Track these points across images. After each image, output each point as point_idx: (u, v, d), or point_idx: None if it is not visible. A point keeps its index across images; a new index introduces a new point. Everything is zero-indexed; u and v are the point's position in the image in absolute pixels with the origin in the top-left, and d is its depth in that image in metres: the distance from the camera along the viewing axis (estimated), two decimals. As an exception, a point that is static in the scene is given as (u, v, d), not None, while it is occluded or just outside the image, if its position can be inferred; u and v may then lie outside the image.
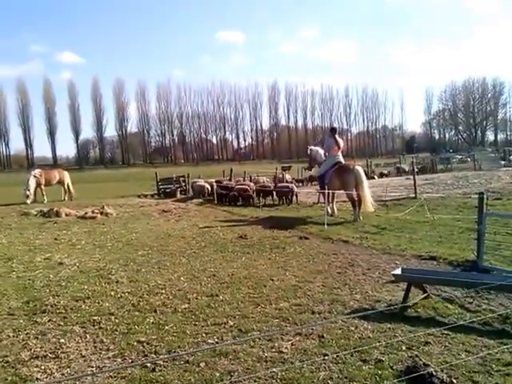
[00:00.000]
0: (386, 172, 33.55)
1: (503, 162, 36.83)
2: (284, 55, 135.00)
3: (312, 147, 13.74)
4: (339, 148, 12.04)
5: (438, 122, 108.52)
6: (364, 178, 11.50)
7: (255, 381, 3.27)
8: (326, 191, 11.48)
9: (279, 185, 17.57)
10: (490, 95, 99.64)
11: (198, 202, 18.37)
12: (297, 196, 16.20)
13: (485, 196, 6.64)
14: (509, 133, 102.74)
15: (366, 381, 3.19)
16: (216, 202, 17.80)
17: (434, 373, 3.09)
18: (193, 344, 3.96)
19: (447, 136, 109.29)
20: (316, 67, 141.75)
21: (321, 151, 12.95)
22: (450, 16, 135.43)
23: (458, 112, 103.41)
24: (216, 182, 20.32)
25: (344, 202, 13.44)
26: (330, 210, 11.95)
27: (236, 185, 18.56)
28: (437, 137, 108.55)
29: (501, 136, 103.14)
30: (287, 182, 20.73)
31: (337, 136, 12.36)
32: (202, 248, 8.30)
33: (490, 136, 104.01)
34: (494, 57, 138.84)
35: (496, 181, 20.93)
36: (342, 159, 12.09)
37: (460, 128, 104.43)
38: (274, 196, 16.89)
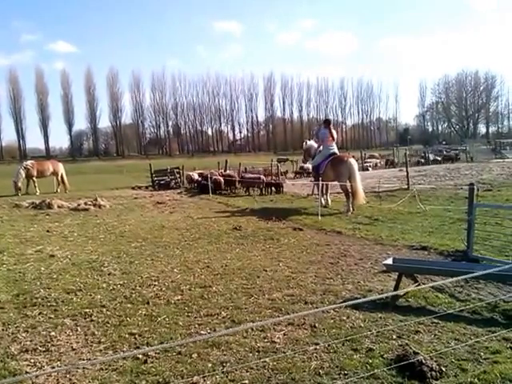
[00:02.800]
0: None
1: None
2: (281, 46, 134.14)
3: (307, 141, 14.09)
4: (333, 139, 12.13)
5: (432, 115, 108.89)
6: (357, 170, 11.61)
7: (247, 371, 3.29)
8: (320, 182, 11.58)
9: (251, 176, 18.42)
10: (482, 88, 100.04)
11: (185, 192, 18.96)
12: (271, 186, 17.12)
13: (475, 187, 6.69)
14: (500, 125, 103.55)
15: (356, 369, 3.22)
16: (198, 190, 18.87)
17: (424, 361, 3.12)
18: (185, 335, 3.96)
19: (440, 128, 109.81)
20: (313, 58, 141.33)
21: (315, 144, 13.22)
22: (445, 10, 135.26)
23: (451, 105, 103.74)
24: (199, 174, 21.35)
25: (338, 193, 13.54)
26: (324, 202, 12.05)
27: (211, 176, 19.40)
28: (430, 129, 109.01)
29: (492, 128, 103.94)
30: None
31: (331, 127, 12.46)
32: (196, 239, 8.29)
33: (482, 128, 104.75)
34: (486, 51, 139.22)
35: (487, 172, 21.10)
36: (336, 150, 12.18)
37: (453, 120, 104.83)
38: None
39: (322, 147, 12.28)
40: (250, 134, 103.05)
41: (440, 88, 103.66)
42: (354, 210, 10.96)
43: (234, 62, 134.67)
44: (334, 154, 11.93)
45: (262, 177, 17.59)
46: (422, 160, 34.94)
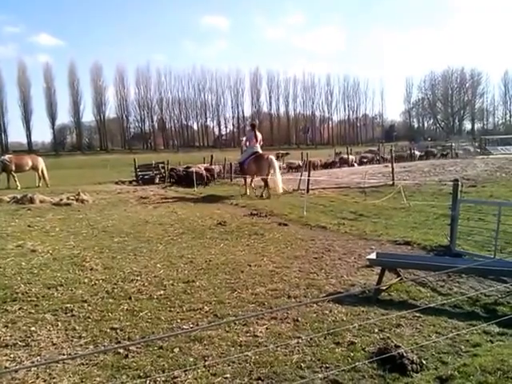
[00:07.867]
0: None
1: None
2: (268, 41, 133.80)
3: (243, 138, 16.28)
4: (257, 141, 14.21)
5: (417, 111, 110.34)
6: (276, 165, 13.89)
7: (229, 365, 3.27)
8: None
9: (196, 169, 19.57)
10: (467, 85, 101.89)
11: (170, 187, 19.00)
12: (209, 179, 18.91)
13: (459, 183, 6.78)
14: (485, 122, 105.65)
15: (338, 363, 3.23)
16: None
17: (405, 354, 3.15)
18: (167, 330, 3.92)
19: (426, 125, 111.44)
20: (300, 54, 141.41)
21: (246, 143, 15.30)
22: (433, 6, 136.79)
23: (437, 101, 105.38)
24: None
25: (323, 188, 13.90)
26: (248, 191, 14.33)
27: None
28: (416, 125, 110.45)
29: (477, 125, 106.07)
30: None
31: (256, 131, 14.43)
32: (180, 235, 8.21)
33: (467, 125, 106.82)
34: (472, 48, 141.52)
35: (471, 168, 21.50)
36: (259, 150, 14.21)
37: (438, 117, 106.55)
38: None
39: (247, 147, 14.46)
40: (235, 129, 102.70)
41: (426, 85, 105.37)
42: (269, 196, 13.17)
43: (220, 57, 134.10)
44: (257, 152, 14.01)
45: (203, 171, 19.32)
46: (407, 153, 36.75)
